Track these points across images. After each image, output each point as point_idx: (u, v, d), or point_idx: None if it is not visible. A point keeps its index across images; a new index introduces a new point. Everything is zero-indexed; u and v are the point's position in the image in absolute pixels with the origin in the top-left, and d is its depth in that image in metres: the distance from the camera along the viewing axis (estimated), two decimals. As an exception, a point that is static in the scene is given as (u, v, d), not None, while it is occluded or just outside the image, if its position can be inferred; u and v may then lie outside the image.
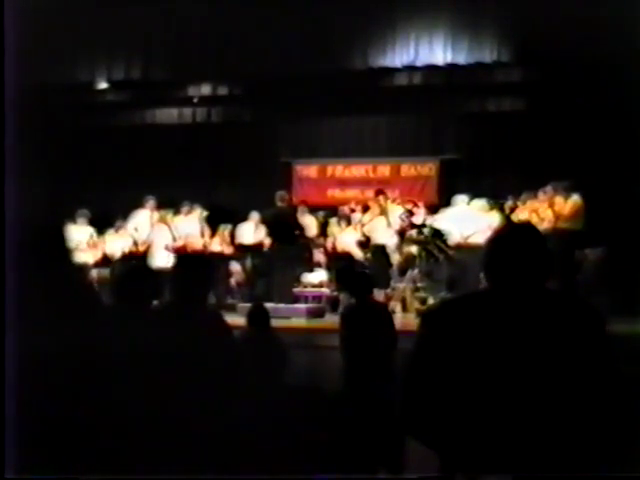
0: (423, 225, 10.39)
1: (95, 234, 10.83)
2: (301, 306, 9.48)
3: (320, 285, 10.35)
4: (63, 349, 2.28)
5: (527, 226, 2.46)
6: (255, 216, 10.94)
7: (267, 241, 10.30)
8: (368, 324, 5.57)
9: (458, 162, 12.62)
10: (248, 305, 6.75)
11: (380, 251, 10.24)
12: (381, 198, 10.80)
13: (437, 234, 9.93)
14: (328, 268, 10.70)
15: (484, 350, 2.11)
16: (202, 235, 10.94)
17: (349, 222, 11.04)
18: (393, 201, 11.13)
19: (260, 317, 5.48)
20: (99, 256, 10.61)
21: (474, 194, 10.07)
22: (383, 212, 10.54)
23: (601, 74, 9.67)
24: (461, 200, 10.02)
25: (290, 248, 9.70)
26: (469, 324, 2.15)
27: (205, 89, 12.67)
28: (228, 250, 10.95)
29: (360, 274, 6.72)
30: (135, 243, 10.85)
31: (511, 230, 2.46)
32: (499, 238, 2.31)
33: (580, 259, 9.21)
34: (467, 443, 2.08)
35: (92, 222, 11.01)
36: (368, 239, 10.48)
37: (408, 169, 13.04)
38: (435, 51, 10.85)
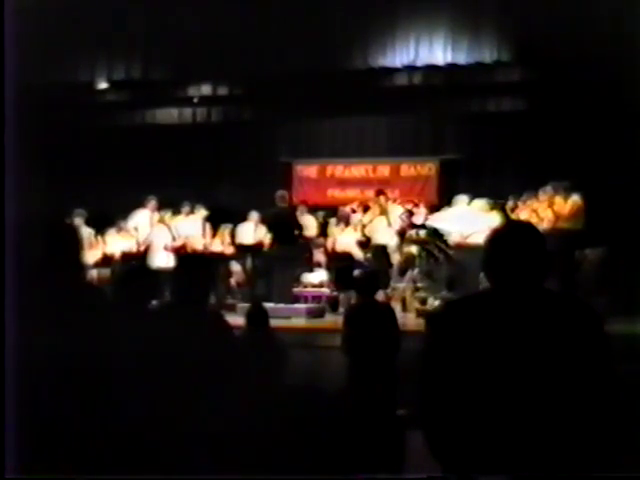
0: (423, 225, 10.39)
1: (93, 234, 10.81)
2: (301, 306, 9.46)
3: (320, 285, 10.34)
4: (63, 349, 2.28)
5: (525, 225, 2.46)
6: (255, 216, 10.94)
7: (267, 241, 10.29)
8: (372, 324, 5.56)
9: (458, 162, 12.61)
10: (248, 305, 6.74)
11: (380, 251, 10.24)
12: (381, 198, 10.81)
13: (437, 234, 9.93)
14: (328, 268, 10.70)
15: (491, 351, 2.11)
16: (203, 235, 10.94)
17: (348, 222, 11.03)
18: (393, 201, 11.12)
19: (259, 317, 5.48)
20: (99, 256, 10.60)
21: (474, 194, 10.06)
22: (383, 212, 10.55)
23: (601, 74, 9.66)
24: (461, 200, 10.00)
25: (290, 248, 9.69)
26: (476, 325, 2.15)
27: (205, 89, 12.67)
28: (228, 250, 10.95)
29: (368, 273, 6.71)
30: (135, 243, 10.85)
31: (510, 229, 2.46)
32: (498, 237, 2.31)
33: (580, 259, 9.20)
34: (474, 444, 2.08)
35: (91, 222, 10.99)
36: (368, 239, 10.48)
37: (408, 169, 13.03)
38: (435, 51, 10.85)
